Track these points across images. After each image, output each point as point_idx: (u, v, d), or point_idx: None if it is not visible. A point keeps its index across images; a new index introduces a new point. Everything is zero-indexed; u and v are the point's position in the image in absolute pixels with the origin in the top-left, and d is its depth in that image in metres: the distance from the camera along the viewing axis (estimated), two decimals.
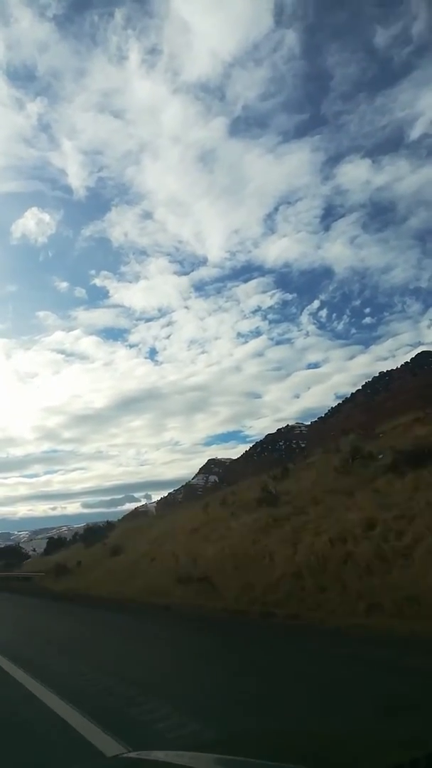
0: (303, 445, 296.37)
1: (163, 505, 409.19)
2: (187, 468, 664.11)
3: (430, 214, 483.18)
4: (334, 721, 4.09)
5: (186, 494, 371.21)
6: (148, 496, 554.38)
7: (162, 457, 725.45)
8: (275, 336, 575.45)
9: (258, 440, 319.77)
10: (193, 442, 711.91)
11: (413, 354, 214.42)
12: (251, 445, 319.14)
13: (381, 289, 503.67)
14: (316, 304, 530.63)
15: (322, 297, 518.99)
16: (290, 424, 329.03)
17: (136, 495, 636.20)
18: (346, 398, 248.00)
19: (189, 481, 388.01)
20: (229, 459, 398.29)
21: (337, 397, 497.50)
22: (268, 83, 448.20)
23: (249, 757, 1.71)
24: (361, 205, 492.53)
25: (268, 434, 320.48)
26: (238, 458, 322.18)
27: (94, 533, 40.04)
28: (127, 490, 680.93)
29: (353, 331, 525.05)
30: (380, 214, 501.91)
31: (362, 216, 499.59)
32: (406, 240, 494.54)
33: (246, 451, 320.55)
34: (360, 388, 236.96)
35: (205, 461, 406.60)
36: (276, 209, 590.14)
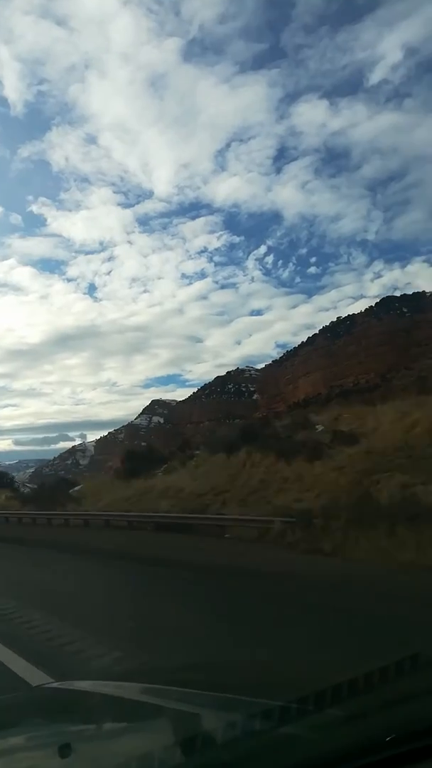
0: (252, 389, 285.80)
1: (102, 445, 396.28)
2: (124, 409, 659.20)
3: (384, 163, 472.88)
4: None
5: (128, 434, 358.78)
6: (83, 436, 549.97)
7: (99, 397, 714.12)
8: (220, 279, 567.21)
9: (207, 382, 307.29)
10: (132, 383, 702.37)
11: (377, 299, 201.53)
12: (199, 387, 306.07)
13: (328, 239, 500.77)
14: (262, 249, 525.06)
15: (270, 242, 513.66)
16: (240, 367, 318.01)
17: (70, 434, 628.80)
18: (303, 342, 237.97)
19: (132, 422, 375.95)
20: (174, 400, 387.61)
21: (278, 346, 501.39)
22: (228, 3, 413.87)
23: (171, 685, 1.75)
24: (315, 149, 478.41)
25: (217, 377, 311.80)
26: (184, 400, 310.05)
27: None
28: (62, 429, 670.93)
29: (298, 279, 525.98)
30: (334, 159, 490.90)
31: (315, 161, 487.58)
32: (358, 189, 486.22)
33: (193, 393, 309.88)
34: (318, 332, 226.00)
35: (149, 402, 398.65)
36: (228, 146, 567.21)
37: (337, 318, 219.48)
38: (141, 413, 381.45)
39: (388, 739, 1.04)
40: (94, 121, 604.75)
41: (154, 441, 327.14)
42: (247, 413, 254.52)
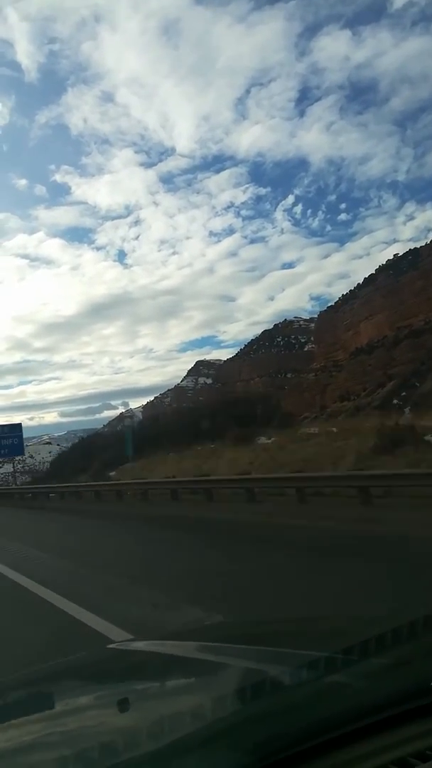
0: (303, 340, 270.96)
1: (149, 410, 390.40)
2: (162, 375, 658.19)
3: (414, 92, 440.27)
4: None
5: (175, 397, 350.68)
6: (125, 404, 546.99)
7: (136, 364, 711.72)
8: (249, 234, 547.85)
9: (254, 337, 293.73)
10: (167, 348, 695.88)
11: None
12: (246, 344, 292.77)
13: (357, 182, 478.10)
14: (290, 199, 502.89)
15: (297, 191, 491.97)
16: (288, 318, 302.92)
17: (113, 403, 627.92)
18: (361, 284, 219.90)
19: (178, 384, 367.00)
20: (219, 360, 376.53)
21: (312, 298, 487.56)
22: None
23: (224, 642, 1.83)
24: (339, 86, 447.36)
25: (264, 330, 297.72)
26: (232, 357, 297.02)
27: None
28: (104, 398, 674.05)
29: (328, 228, 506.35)
30: (360, 95, 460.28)
31: (340, 99, 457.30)
32: (386, 125, 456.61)
33: (241, 349, 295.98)
34: (374, 271, 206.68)
35: (192, 364, 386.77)
36: (248, 92, 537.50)
37: (393, 256, 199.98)
38: (186, 375, 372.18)
39: (431, 684, 1.06)
40: (109, 78, 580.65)
41: (202, 402, 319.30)
42: (301, 366, 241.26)
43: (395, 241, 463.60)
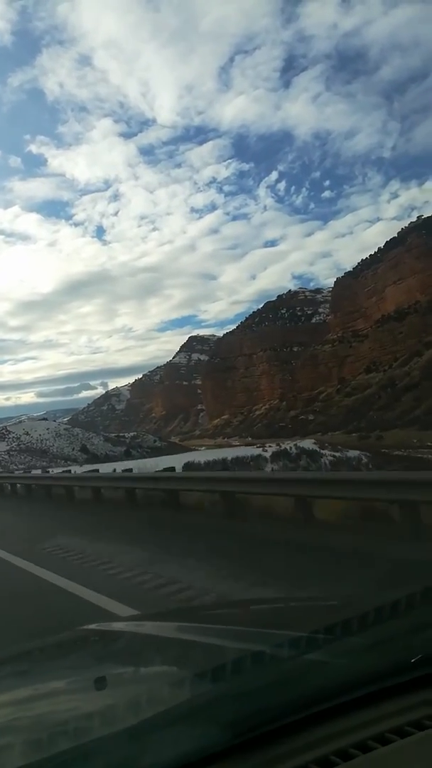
0: (310, 312, 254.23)
1: (138, 388, 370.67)
2: (142, 354, 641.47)
3: (404, 61, 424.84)
4: None
5: (168, 374, 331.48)
6: (104, 384, 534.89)
7: (115, 344, 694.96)
8: (231, 210, 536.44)
9: (255, 309, 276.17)
10: (147, 327, 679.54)
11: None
12: (247, 316, 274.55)
13: (342, 158, 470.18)
14: (274, 175, 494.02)
15: (281, 167, 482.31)
16: (292, 289, 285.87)
17: (92, 383, 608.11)
18: (387, 245, 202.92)
19: (170, 361, 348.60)
20: (213, 336, 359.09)
21: (294, 277, 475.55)
22: None
23: (204, 622, 1.85)
24: (326, 55, 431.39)
25: (267, 302, 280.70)
26: (232, 331, 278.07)
27: None
28: (82, 378, 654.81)
29: (312, 205, 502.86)
30: (348, 64, 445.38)
31: (327, 69, 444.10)
32: (374, 97, 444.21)
33: (242, 322, 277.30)
34: (401, 230, 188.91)
35: (186, 339, 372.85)
36: (231, 60, 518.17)
37: (417, 218, 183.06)
38: (179, 351, 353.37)
39: (413, 660, 1.08)
40: (86, 41, 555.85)
41: (199, 378, 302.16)
42: (310, 339, 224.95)
43: (379, 219, 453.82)
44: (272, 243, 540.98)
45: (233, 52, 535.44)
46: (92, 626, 2.30)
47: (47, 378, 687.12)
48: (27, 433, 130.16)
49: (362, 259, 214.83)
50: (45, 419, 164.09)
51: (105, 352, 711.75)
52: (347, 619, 1.25)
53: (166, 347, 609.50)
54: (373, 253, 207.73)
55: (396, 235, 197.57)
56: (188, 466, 46.75)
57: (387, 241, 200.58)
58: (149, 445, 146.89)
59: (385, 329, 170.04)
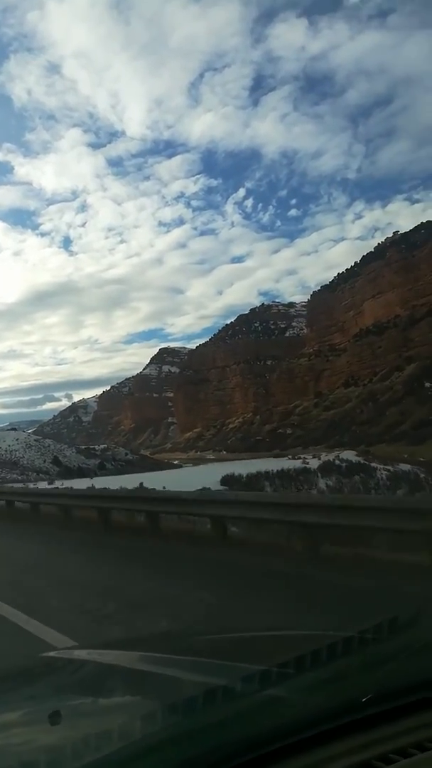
0: (283, 326, 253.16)
1: (105, 400, 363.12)
2: (107, 367, 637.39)
3: (370, 86, 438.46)
4: None
5: (138, 386, 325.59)
6: (69, 396, 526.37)
7: (81, 356, 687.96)
8: (199, 225, 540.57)
9: (228, 322, 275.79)
10: (113, 340, 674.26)
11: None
12: (220, 329, 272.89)
13: (309, 177, 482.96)
14: (241, 192, 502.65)
15: (248, 185, 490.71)
16: (265, 302, 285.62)
17: (56, 395, 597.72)
18: (365, 258, 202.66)
19: (140, 372, 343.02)
20: (184, 348, 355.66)
21: (260, 294, 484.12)
22: None
23: (161, 653, 1.83)
24: (294, 76, 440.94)
25: (240, 315, 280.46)
26: (205, 343, 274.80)
27: None
28: (46, 389, 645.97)
29: (278, 223, 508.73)
30: (315, 86, 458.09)
31: (294, 90, 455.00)
32: (340, 120, 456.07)
33: (215, 334, 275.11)
34: (379, 245, 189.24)
35: (156, 351, 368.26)
36: (201, 76, 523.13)
37: (399, 233, 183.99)
38: (149, 363, 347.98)
39: (363, 699, 1.07)
40: (56, 49, 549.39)
41: (170, 390, 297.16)
42: (284, 352, 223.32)
43: (343, 239, 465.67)
44: (239, 259, 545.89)
45: (203, 68, 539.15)
46: (53, 653, 2.23)
47: (10, 389, 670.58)
48: None
49: (338, 273, 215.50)
50: (14, 429, 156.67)
51: (70, 363, 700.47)
52: (301, 655, 1.24)
53: (132, 359, 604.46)
54: (349, 267, 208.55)
55: (373, 250, 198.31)
56: (229, 480, 42.35)
57: (364, 256, 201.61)
58: (121, 458, 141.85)
59: (364, 343, 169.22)
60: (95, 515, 10.56)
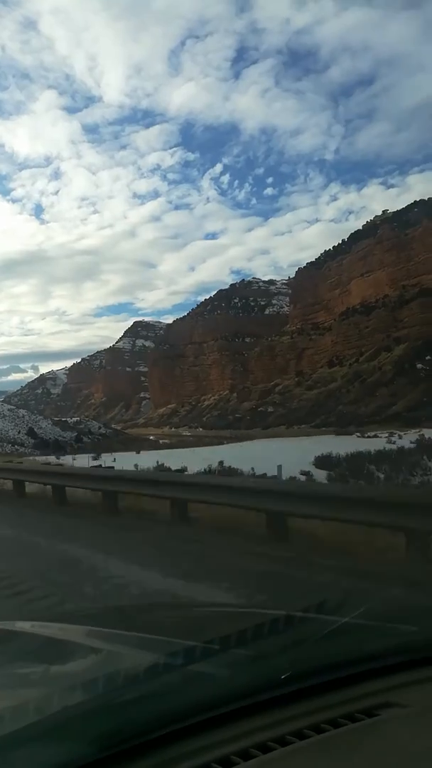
0: (263, 303, 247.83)
1: (75, 373, 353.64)
2: (75, 339, 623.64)
3: (354, 64, 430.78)
4: None
5: (110, 360, 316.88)
6: (35, 367, 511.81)
7: (48, 326, 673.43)
8: (174, 199, 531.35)
9: (207, 297, 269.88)
10: (82, 312, 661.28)
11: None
12: (199, 303, 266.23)
13: (287, 156, 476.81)
14: (218, 167, 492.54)
15: (226, 161, 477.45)
16: (246, 279, 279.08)
17: (21, 366, 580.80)
18: (344, 240, 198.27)
19: (113, 345, 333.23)
20: (159, 322, 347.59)
21: (232, 272, 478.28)
22: None
23: (109, 628, 1.85)
24: (278, 50, 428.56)
25: (219, 290, 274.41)
26: (182, 318, 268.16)
27: None
28: (12, 360, 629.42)
29: (254, 201, 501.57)
30: (297, 62, 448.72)
31: (277, 65, 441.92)
32: (321, 98, 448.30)
33: (193, 309, 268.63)
34: (378, 221, 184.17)
35: (131, 324, 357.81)
36: (183, 44, 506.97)
37: (393, 211, 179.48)
38: (123, 336, 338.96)
39: (282, 677, 1.11)
40: (33, 3, 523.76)
41: (143, 365, 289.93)
42: (263, 330, 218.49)
43: (317, 220, 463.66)
44: (213, 236, 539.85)
45: (185, 35, 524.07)
46: None
47: None
48: None
49: (325, 250, 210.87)
50: None
51: (37, 334, 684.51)
52: (227, 634, 1.28)
53: (102, 333, 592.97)
54: (337, 244, 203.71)
55: (361, 228, 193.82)
56: (326, 462, 36.43)
57: (352, 233, 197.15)
58: (96, 431, 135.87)
59: (350, 322, 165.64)
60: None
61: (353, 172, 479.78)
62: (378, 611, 1.54)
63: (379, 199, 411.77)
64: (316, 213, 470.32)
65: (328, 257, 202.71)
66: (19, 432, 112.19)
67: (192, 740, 0.97)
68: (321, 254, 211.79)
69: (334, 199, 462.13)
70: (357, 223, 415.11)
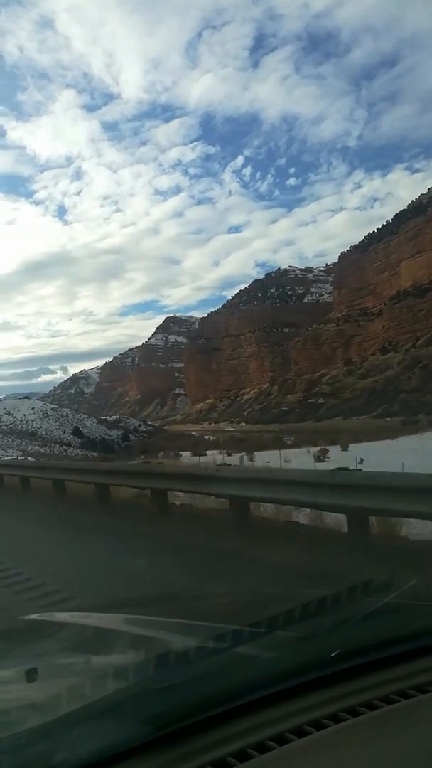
0: (301, 291, 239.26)
1: (107, 371, 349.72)
2: (102, 339, 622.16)
3: (376, 44, 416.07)
4: None
5: (143, 357, 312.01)
6: (64, 368, 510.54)
7: (75, 327, 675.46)
8: (196, 194, 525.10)
9: (242, 288, 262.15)
10: (108, 311, 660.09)
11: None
12: (235, 293, 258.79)
13: (309, 144, 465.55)
14: (240, 160, 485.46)
15: (247, 152, 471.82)
16: (282, 267, 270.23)
17: (51, 367, 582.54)
18: (389, 221, 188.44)
19: (146, 342, 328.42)
20: (191, 317, 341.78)
21: (257, 265, 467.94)
22: None
23: (139, 614, 1.92)
24: (297, 35, 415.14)
25: (254, 281, 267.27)
26: (217, 310, 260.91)
27: None
28: (41, 362, 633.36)
29: (277, 192, 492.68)
30: (317, 47, 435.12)
31: (296, 50, 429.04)
32: (342, 83, 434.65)
33: (228, 301, 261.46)
34: (424, 200, 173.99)
35: (159, 321, 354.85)
36: (200, 35, 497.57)
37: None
38: (155, 333, 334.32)
39: (333, 654, 1.11)
40: (48, 2, 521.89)
41: (176, 360, 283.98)
42: (302, 319, 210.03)
43: (342, 209, 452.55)
44: (236, 229, 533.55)
45: (201, 26, 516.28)
46: (34, 616, 2.30)
47: (5, 361, 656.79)
48: (9, 413, 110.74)
49: (370, 233, 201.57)
50: (27, 397, 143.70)
51: (65, 335, 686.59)
52: (274, 615, 1.29)
53: (128, 332, 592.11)
54: (382, 225, 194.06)
55: (406, 207, 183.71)
56: None
57: (397, 213, 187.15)
58: (139, 429, 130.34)
59: (403, 306, 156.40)
60: None
61: (377, 158, 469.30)
62: (423, 590, 1.53)
63: (405, 185, 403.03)
64: (340, 201, 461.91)
65: (372, 239, 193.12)
66: (64, 432, 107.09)
67: (245, 719, 0.98)
68: (365, 237, 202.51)
69: (359, 186, 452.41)
70: (382, 211, 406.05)
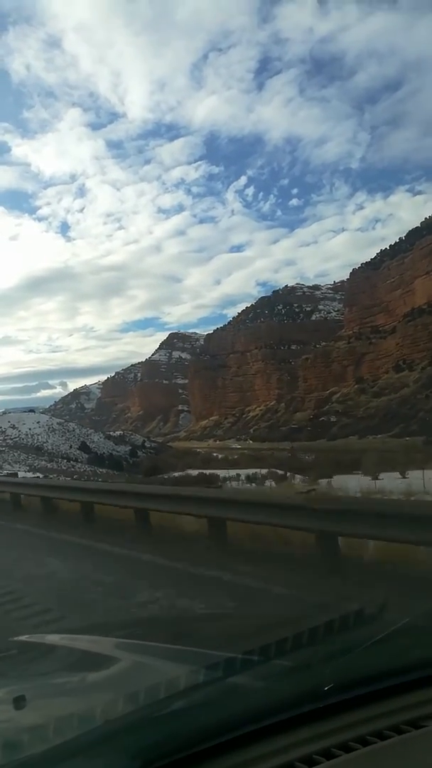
0: (309, 309, 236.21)
1: (109, 387, 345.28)
2: (103, 355, 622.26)
3: (380, 69, 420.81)
4: None
5: (147, 372, 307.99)
6: (63, 384, 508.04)
7: (76, 343, 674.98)
8: (198, 213, 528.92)
9: (249, 305, 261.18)
10: (109, 328, 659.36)
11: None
12: (241, 310, 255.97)
13: (312, 166, 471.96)
14: (243, 180, 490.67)
15: (250, 172, 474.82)
16: (289, 284, 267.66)
17: (50, 382, 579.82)
18: (401, 238, 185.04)
19: (149, 358, 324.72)
20: (195, 333, 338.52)
21: (258, 284, 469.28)
22: None
23: (142, 640, 1.85)
24: (301, 59, 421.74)
25: (261, 297, 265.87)
26: (223, 327, 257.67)
27: None
28: (41, 377, 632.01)
29: (279, 212, 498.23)
30: (321, 70, 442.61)
31: (300, 74, 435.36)
32: (345, 106, 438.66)
33: (234, 317, 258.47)
34: (426, 219, 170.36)
35: (166, 336, 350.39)
36: (205, 57, 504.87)
37: None
38: (159, 349, 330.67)
39: (326, 688, 1.08)
40: (57, 22, 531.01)
41: (180, 377, 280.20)
42: (310, 336, 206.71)
43: (343, 230, 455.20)
44: (238, 248, 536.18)
45: (207, 48, 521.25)
46: (23, 638, 2.24)
47: (5, 375, 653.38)
48: (14, 427, 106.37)
49: (382, 250, 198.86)
50: (32, 411, 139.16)
51: (65, 351, 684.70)
52: (266, 644, 1.25)
53: (128, 348, 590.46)
54: (394, 242, 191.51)
55: (419, 225, 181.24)
56: None
57: (410, 231, 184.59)
58: (141, 445, 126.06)
59: (417, 324, 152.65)
60: None
61: (379, 180, 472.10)
62: (420, 621, 1.50)
63: (407, 207, 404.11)
64: (342, 222, 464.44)
65: (384, 256, 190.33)
66: (71, 447, 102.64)
67: (236, 754, 0.95)
68: (377, 254, 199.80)
69: (360, 207, 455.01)
70: (383, 232, 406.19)
